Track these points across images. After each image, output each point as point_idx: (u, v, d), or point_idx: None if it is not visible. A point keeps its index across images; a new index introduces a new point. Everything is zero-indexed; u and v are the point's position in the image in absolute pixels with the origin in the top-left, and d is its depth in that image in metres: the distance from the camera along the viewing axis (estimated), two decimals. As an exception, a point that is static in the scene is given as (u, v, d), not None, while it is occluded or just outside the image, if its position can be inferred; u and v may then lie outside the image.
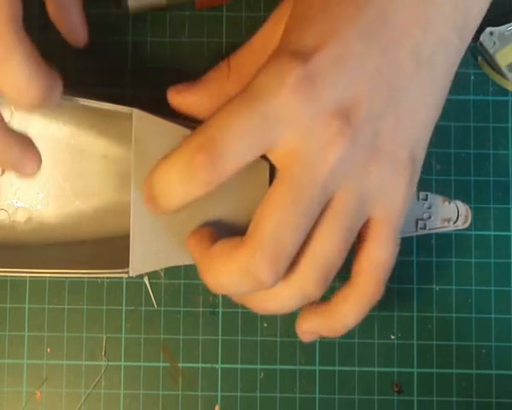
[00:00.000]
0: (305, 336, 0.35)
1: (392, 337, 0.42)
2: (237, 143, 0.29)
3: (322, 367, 0.42)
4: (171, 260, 0.36)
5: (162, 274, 0.42)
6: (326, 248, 0.31)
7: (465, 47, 0.32)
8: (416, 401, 0.42)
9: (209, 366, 0.42)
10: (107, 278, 0.42)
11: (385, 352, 0.42)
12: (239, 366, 0.42)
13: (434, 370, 0.42)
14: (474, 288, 0.42)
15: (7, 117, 0.39)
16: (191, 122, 0.36)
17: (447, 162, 0.42)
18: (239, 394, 0.41)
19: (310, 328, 0.35)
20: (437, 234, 0.41)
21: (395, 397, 0.42)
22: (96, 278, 0.42)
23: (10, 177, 0.39)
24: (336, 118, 0.29)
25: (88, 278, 0.41)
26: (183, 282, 0.42)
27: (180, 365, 0.42)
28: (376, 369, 0.42)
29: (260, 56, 0.33)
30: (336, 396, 0.42)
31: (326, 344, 0.41)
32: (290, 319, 0.41)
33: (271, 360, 0.42)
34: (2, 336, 0.41)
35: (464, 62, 0.40)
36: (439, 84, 0.31)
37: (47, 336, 0.42)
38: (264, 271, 0.29)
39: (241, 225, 0.35)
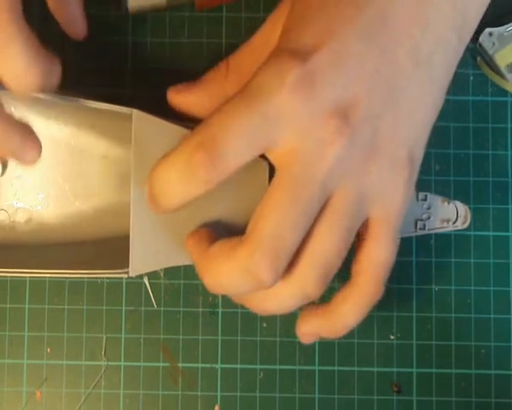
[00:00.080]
0: (305, 339, 0.35)
1: (392, 337, 0.42)
2: (236, 142, 0.29)
3: (321, 367, 0.42)
4: (170, 260, 0.36)
5: (162, 274, 0.42)
6: (325, 247, 0.31)
7: (463, 47, 0.32)
8: (415, 401, 0.42)
9: (209, 366, 0.42)
10: (107, 278, 0.42)
11: (384, 352, 0.42)
12: (238, 366, 0.42)
13: (434, 370, 0.42)
14: (473, 288, 0.42)
15: (7, 117, 0.39)
16: (191, 122, 0.36)
17: (446, 163, 0.42)
18: (238, 394, 0.42)
19: (310, 330, 0.35)
20: (436, 234, 0.41)
21: (394, 397, 0.42)
22: (96, 278, 0.42)
23: (10, 177, 0.39)
24: (335, 117, 0.29)
25: (88, 278, 0.41)
26: (182, 282, 0.42)
27: (180, 365, 0.42)
28: (376, 369, 0.42)
29: (259, 56, 0.33)
30: (336, 396, 0.42)
31: (325, 344, 0.42)
32: (290, 319, 0.41)
33: (271, 360, 0.42)
34: (3, 337, 0.42)
35: (463, 63, 0.40)
36: (438, 84, 0.32)
37: (47, 336, 0.42)
38: (263, 269, 0.29)
39: (241, 226, 0.35)
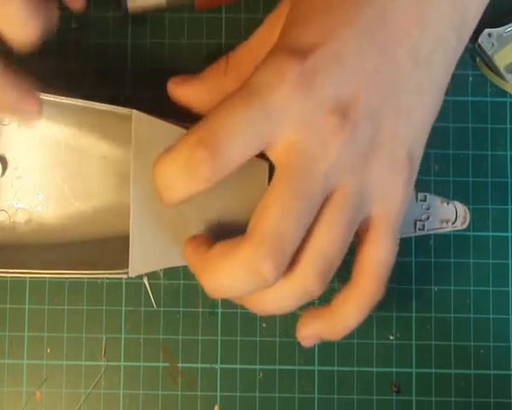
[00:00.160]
0: (306, 341, 0.35)
1: (391, 338, 0.42)
2: (237, 138, 0.29)
3: (321, 367, 0.42)
4: (170, 260, 0.36)
5: (161, 275, 0.42)
6: (326, 244, 0.31)
7: (463, 47, 0.32)
8: (414, 401, 0.42)
9: (208, 366, 0.42)
10: (107, 278, 0.42)
11: (384, 352, 0.42)
12: (238, 366, 0.42)
13: (433, 370, 0.42)
14: (472, 288, 0.42)
15: (7, 118, 0.39)
16: (190, 123, 0.36)
17: (446, 163, 0.42)
18: (238, 394, 0.42)
19: (310, 332, 0.34)
20: (435, 235, 0.41)
21: (394, 397, 0.42)
22: (96, 278, 0.42)
23: (11, 178, 0.39)
24: (335, 113, 0.29)
25: (88, 278, 0.42)
26: (182, 282, 0.42)
27: (179, 365, 0.42)
28: (375, 369, 0.42)
29: (258, 55, 0.33)
30: (335, 396, 0.42)
31: (325, 345, 0.42)
32: (289, 319, 0.41)
33: (270, 361, 0.42)
34: (3, 337, 0.42)
35: (462, 64, 0.40)
36: (437, 84, 0.32)
37: (47, 336, 0.42)
38: (267, 266, 0.29)
39: (240, 226, 0.35)
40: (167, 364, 0.42)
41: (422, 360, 0.42)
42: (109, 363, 0.42)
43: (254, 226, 0.30)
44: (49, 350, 0.42)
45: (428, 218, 0.38)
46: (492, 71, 0.42)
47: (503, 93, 0.43)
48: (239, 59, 0.36)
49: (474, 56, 0.42)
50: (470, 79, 0.43)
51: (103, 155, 0.39)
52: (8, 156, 0.39)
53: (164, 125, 0.35)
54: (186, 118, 0.36)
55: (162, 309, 0.42)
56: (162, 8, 0.41)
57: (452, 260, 0.42)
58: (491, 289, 0.42)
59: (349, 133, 0.29)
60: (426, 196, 0.38)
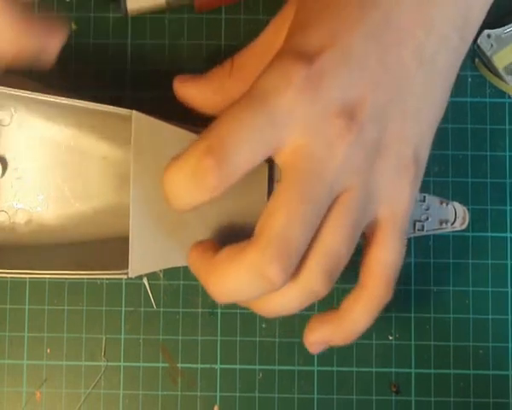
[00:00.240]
0: (314, 348, 0.35)
1: (390, 338, 0.42)
2: (245, 145, 0.29)
3: (320, 368, 0.42)
4: (170, 261, 0.36)
5: (161, 275, 0.42)
6: (332, 245, 0.30)
7: (466, 47, 0.32)
8: (413, 402, 0.42)
9: (208, 366, 0.42)
10: (107, 279, 0.42)
11: (383, 352, 0.42)
12: (238, 366, 0.42)
13: (432, 370, 0.42)
14: (471, 289, 0.42)
15: (7, 119, 0.39)
16: (190, 124, 0.36)
17: (445, 164, 0.42)
18: (238, 394, 0.42)
19: (318, 338, 0.34)
20: (434, 235, 0.41)
21: (393, 397, 0.42)
22: (96, 279, 0.42)
23: (11, 179, 0.39)
24: (342, 116, 0.29)
25: (87, 279, 0.42)
26: (181, 283, 0.42)
27: (179, 365, 0.42)
28: (374, 369, 0.42)
29: (262, 58, 0.33)
30: (334, 397, 0.42)
31: (324, 345, 0.42)
32: (289, 319, 0.41)
33: (270, 361, 0.42)
34: (3, 337, 0.42)
35: (462, 64, 0.40)
36: (442, 84, 0.32)
37: (47, 336, 0.42)
38: (274, 270, 0.29)
39: (240, 226, 0.35)
40: (167, 364, 0.42)
41: (422, 360, 0.42)
42: (109, 363, 0.42)
43: (261, 230, 0.30)
44: (48, 350, 0.42)
45: (428, 218, 0.38)
46: (491, 72, 0.42)
47: (502, 94, 0.43)
48: (244, 61, 0.36)
49: (473, 57, 0.42)
50: (469, 79, 0.43)
51: (103, 156, 0.39)
52: (9, 157, 0.39)
53: (164, 126, 0.35)
54: (186, 119, 0.36)
55: (162, 310, 0.42)
56: (162, 8, 0.41)
57: (451, 261, 0.42)
58: (490, 289, 0.42)
59: (355, 136, 0.29)
60: (425, 197, 0.38)
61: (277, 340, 0.42)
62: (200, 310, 0.42)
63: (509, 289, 0.42)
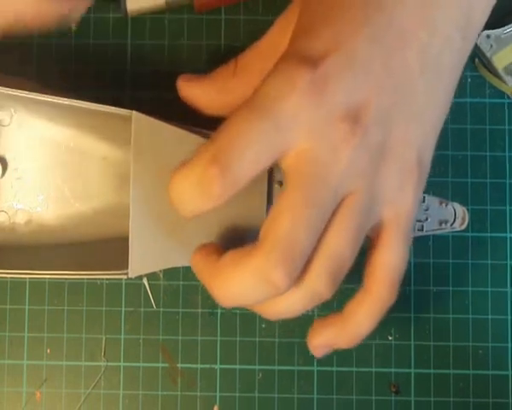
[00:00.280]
0: (318, 351, 0.35)
1: (390, 338, 0.42)
2: (248, 152, 0.29)
3: (320, 368, 0.42)
4: (169, 261, 0.36)
5: (161, 275, 0.42)
6: (337, 248, 0.30)
7: (469, 47, 0.32)
8: (413, 402, 0.42)
9: (208, 366, 0.42)
10: (107, 279, 0.42)
11: (382, 352, 0.42)
12: (237, 366, 0.42)
13: (432, 370, 0.42)
14: (470, 289, 0.42)
15: (7, 119, 0.39)
16: (190, 125, 0.36)
17: (444, 164, 0.42)
18: (237, 394, 0.42)
19: (322, 342, 0.34)
20: (434, 236, 0.41)
21: (392, 397, 0.42)
22: (96, 279, 0.42)
23: (11, 179, 0.39)
24: (346, 120, 0.29)
25: (87, 279, 0.42)
26: (181, 283, 0.42)
27: (179, 365, 0.42)
28: (374, 369, 0.42)
29: (266, 59, 0.33)
30: (334, 397, 0.42)
31: (324, 345, 0.42)
32: (288, 320, 0.41)
33: (270, 361, 0.42)
34: (3, 337, 0.42)
35: (461, 65, 0.40)
36: (445, 86, 0.32)
37: (47, 336, 0.42)
38: (278, 274, 0.29)
39: (239, 226, 0.35)
40: (167, 364, 0.42)
41: (421, 360, 0.42)
42: (109, 363, 0.42)
43: (265, 234, 0.30)
44: (48, 351, 0.42)
45: (427, 219, 0.38)
46: (491, 72, 0.42)
47: (502, 94, 0.43)
48: (248, 61, 0.35)
49: (472, 58, 0.42)
50: (469, 80, 0.43)
51: (103, 156, 0.39)
52: (9, 157, 0.39)
53: (163, 127, 0.35)
54: (186, 119, 0.36)
55: (162, 310, 0.42)
56: (162, 9, 0.41)
57: (451, 261, 0.42)
58: (489, 289, 0.42)
59: (360, 139, 0.29)
60: (424, 197, 0.38)
61: (277, 340, 0.42)
62: (199, 310, 0.42)
63: (509, 289, 0.42)
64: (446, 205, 0.38)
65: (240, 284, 0.30)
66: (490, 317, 0.42)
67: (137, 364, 0.42)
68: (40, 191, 0.39)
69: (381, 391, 0.42)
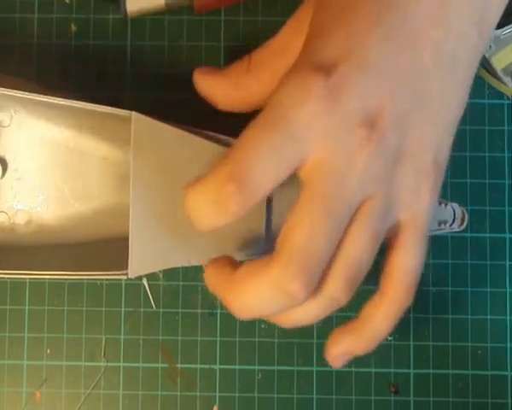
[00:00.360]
0: (337, 361, 0.34)
1: (389, 338, 0.42)
2: (266, 166, 0.29)
3: (319, 368, 0.42)
4: (169, 261, 0.36)
5: (161, 276, 0.42)
6: (354, 254, 0.30)
7: (484, 43, 0.31)
8: (412, 402, 0.42)
9: (207, 366, 0.42)
10: (107, 279, 0.42)
11: (382, 353, 0.42)
12: (237, 366, 0.42)
13: (431, 370, 0.42)
14: (469, 289, 0.42)
15: (7, 120, 0.39)
16: (191, 125, 0.36)
17: (443, 165, 0.42)
18: (237, 394, 0.42)
19: (342, 350, 0.34)
20: (433, 236, 0.41)
21: (392, 398, 0.42)
22: (96, 279, 0.42)
23: (10, 179, 0.39)
24: (362, 126, 0.29)
25: (87, 279, 0.42)
26: (181, 283, 0.42)
27: (178, 365, 0.42)
28: (373, 370, 0.42)
29: (280, 57, 0.33)
30: (333, 397, 0.42)
31: (323, 345, 0.42)
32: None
33: (269, 361, 0.42)
34: (3, 338, 0.42)
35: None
36: (461, 84, 0.31)
37: (47, 337, 0.42)
38: (296, 285, 0.29)
39: (239, 226, 0.35)
40: (166, 364, 0.42)
41: (420, 360, 0.42)
42: (109, 364, 0.42)
43: (282, 245, 0.29)
44: (48, 351, 0.42)
45: (426, 219, 0.38)
46: (490, 73, 0.42)
47: (501, 95, 0.43)
48: (260, 59, 0.35)
49: (471, 59, 0.43)
50: (468, 81, 0.43)
51: (103, 157, 0.39)
52: (8, 158, 0.39)
53: (163, 127, 0.35)
54: (186, 119, 0.36)
55: (161, 310, 0.42)
56: (161, 10, 0.41)
57: (450, 262, 0.42)
58: (488, 290, 0.42)
59: (375, 145, 0.29)
60: (424, 198, 0.38)
61: (276, 340, 0.42)
62: (199, 311, 0.42)
63: (508, 289, 0.42)
64: (445, 205, 0.38)
65: (257, 296, 0.30)
66: (489, 317, 0.42)
67: (137, 364, 0.42)
68: (40, 192, 0.39)
69: (381, 391, 0.42)
